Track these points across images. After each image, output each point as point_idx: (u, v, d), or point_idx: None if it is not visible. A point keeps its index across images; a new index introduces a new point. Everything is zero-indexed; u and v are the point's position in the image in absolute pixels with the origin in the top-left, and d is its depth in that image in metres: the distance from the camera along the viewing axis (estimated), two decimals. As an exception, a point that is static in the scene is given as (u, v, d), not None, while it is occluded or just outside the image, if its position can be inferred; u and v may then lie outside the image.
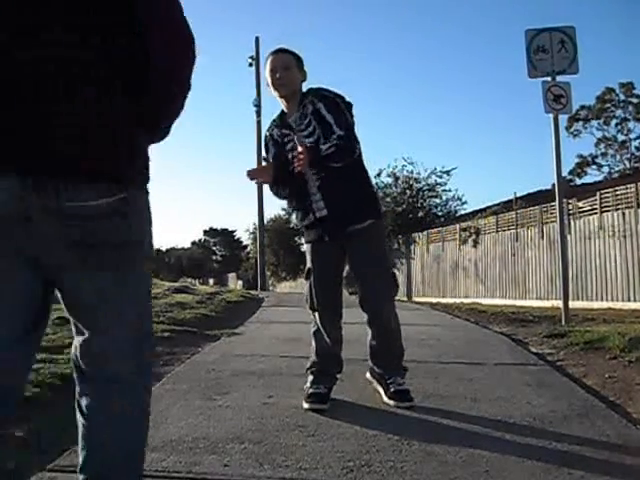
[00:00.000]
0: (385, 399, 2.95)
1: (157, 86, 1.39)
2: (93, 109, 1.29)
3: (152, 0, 1.36)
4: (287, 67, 2.94)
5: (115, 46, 1.32)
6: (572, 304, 7.25)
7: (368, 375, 3.15)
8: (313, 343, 3.05)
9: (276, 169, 2.92)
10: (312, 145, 2.84)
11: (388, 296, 2.99)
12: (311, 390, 2.92)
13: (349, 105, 2.95)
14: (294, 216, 3.12)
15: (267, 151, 3.08)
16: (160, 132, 1.48)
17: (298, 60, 2.99)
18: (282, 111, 3.05)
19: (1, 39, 1.25)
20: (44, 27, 1.27)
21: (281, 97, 2.99)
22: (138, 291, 1.43)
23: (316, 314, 3.00)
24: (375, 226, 3.00)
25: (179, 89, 1.44)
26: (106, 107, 1.31)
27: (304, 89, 3.00)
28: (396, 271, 16.49)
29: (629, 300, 10.47)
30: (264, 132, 3.15)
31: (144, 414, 1.45)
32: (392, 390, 2.94)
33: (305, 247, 3.10)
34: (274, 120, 3.08)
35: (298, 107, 2.95)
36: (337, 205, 2.90)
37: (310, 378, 2.99)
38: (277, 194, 3.07)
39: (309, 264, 3.05)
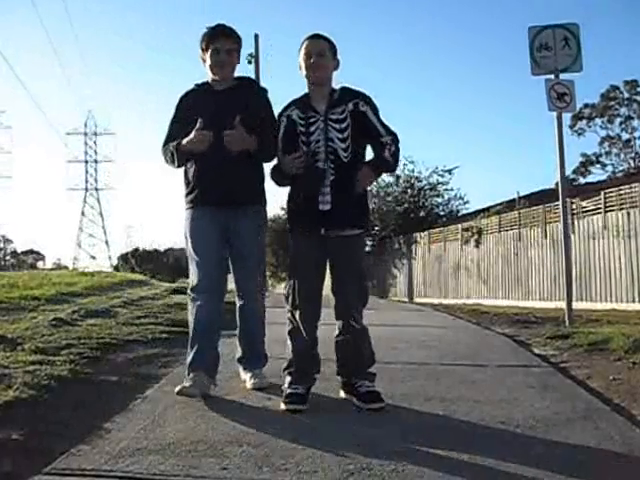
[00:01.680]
0: (355, 402, 2.93)
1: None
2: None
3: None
4: (321, 53, 3.02)
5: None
6: (576, 305, 7.25)
7: (342, 393, 3.08)
8: (289, 342, 3.06)
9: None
10: (374, 161, 3.01)
11: (358, 306, 3.04)
12: (289, 390, 2.91)
13: None
14: (289, 204, 3.11)
15: (279, 131, 3.11)
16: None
17: (332, 47, 3.08)
18: (306, 94, 3.10)
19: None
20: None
21: (312, 82, 3.06)
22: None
23: (297, 312, 3.01)
24: (361, 237, 3.12)
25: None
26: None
27: (337, 84, 3.10)
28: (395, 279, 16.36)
29: (633, 301, 10.46)
30: (280, 111, 3.16)
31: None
32: (361, 392, 2.92)
33: (291, 242, 3.10)
34: (295, 101, 3.12)
35: (330, 96, 3.04)
36: (342, 204, 2.94)
37: (287, 379, 2.99)
38: (279, 182, 3.13)
39: (294, 258, 3.09)
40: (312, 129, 2.99)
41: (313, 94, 3.06)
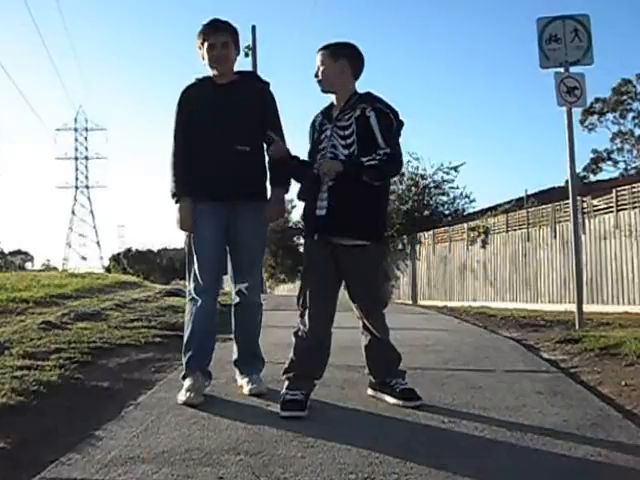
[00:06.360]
0: (392, 401, 3.05)
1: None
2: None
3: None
4: (322, 63, 3.11)
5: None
6: (586, 308, 7.25)
7: (370, 391, 3.23)
8: (294, 342, 3.09)
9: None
10: (350, 159, 2.96)
11: (374, 312, 3.14)
12: (288, 397, 2.93)
13: (401, 123, 3.08)
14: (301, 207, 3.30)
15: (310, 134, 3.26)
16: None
17: (331, 54, 3.10)
18: (332, 102, 3.20)
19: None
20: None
21: (322, 92, 3.16)
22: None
23: (305, 313, 3.05)
24: (370, 249, 3.05)
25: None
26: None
27: (360, 89, 3.13)
28: (392, 283, 16.52)
29: (646, 303, 10.47)
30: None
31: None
32: (398, 390, 3.07)
33: (303, 242, 3.23)
34: (323, 109, 3.22)
35: (345, 104, 3.09)
36: (338, 212, 2.97)
37: (286, 384, 3.02)
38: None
39: (304, 260, 3.24)
40: (322, 137, 3.11)
41: (335, 102, 3.16)
